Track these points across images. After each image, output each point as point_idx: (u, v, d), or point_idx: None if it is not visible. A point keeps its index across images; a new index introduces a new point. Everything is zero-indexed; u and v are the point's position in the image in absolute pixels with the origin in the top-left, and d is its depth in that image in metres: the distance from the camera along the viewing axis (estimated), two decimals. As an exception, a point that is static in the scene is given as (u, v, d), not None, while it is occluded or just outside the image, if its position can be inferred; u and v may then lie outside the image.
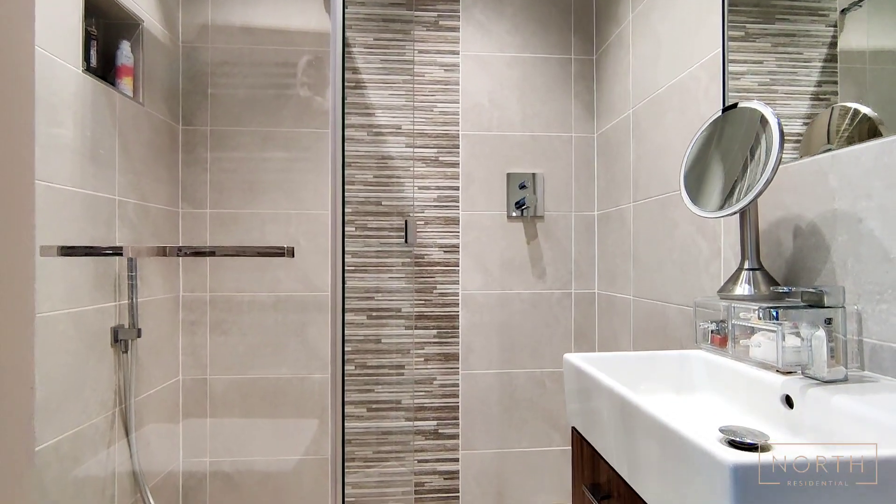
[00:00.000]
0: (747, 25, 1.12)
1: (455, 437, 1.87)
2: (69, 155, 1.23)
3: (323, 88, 1.82)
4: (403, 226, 1.83)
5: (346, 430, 1.63)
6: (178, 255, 1.64)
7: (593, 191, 1.93)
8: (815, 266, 0.87)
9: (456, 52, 1.87)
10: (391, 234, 1.84)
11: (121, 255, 1.21)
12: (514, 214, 1.89)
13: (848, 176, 0.81)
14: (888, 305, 0.73)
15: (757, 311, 0.77)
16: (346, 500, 1.58)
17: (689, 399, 0.93)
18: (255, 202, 1.79)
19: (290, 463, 1.81)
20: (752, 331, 0.88)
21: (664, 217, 1.39)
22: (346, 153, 1.65)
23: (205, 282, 1.77)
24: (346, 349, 1.73)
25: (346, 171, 1.77)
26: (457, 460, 1.87)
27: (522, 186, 1.88)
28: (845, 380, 0.73)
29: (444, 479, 1.86)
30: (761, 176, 0.84)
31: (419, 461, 1.85)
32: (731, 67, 1.14)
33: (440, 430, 1.86)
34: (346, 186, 1.65)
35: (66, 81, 1.22)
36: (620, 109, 1.69)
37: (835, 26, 0.90)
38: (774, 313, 0.75)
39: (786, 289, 0.80)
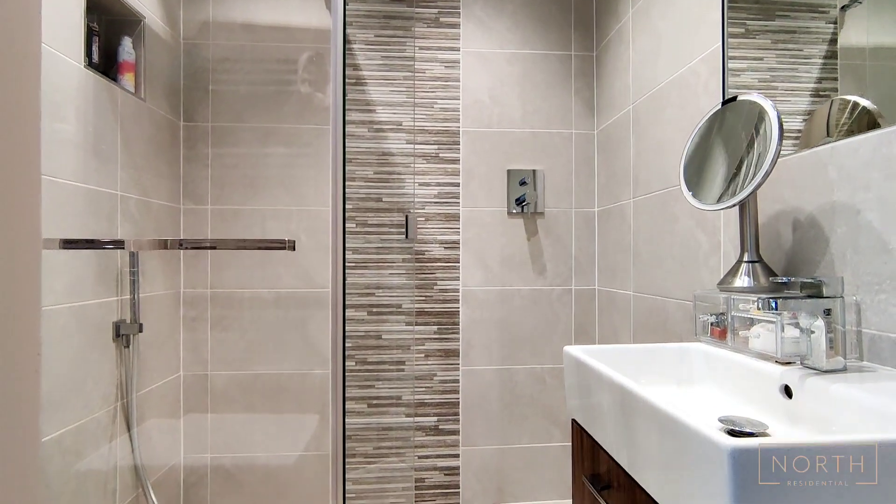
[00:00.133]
0: (747, 22, 1.12)
1: (455, 432, 1.87)
2: (72, 150, 1.23)
3: (324, 85, 1.83)
4: (404, 222, 1.84)
5: (346, 426, 1.64)
6: (179, 249, 1.64)
7: (593, 187, 1.93)
8: (814, 258, 0.88)
9: (456, 49, 1.88)
10: (392, 230, 1.85)
11: (122, 248, 1.22)
12: (514, 211, 1.89)
13: (847, 168, 0.81)
14: (887, 296, 0.74)
15: (756, 302, 0.78)
16: (346, 495, 1.58)
17: (689, 391, 0.93)
18: (256, 198, 1.80)
19: (290, 459, 1.81)
20: (752, 322, 0.88)
21: (664, 212, 1.40)
22: (346, 149, 1.65)
23: (206, 278, 1.78)
24: (346, 345, 1.73)
25: (346, 168, 1.78)
26: (457, 456, 1.87)
27: (523, 183, 1.88)
28: (844, 370, 0.74)
29: (445, 474, 1.86)
30: (760, 168, 0.85)
31: (419, 457, 1.86)
32: (730, 64, 1.14)
33: (440, 426, 1.87)
34: (346, 183, 1.65)
35: (68, 77, 1.22)
36: (620, 105, 1.69)
37: (835, 23, 0.90)
38: (773, 304, 0.75)
39: (784, 279, 0.80)
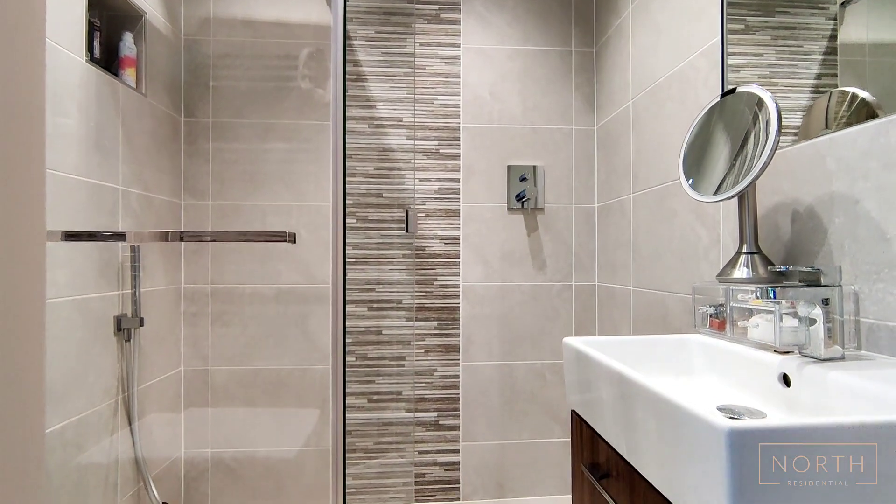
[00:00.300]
0: (747, 18, 1.12)
1: (455, 428, 1.87)
2: (73, 144, 1.24)
3: (324, 81, 1.83)
4: (404, 217, 1.84)
5: (346, 421, 1.64)
6: (180, 241, 1.65)
7: (593, 183, 1.94)
8: (813, 249, 0.88)
9: (457, 45, 1.88)
10: (392, 226, 1.85)
11: (123, 240, 1.22)
12: (514, 207, 1.89)
13: (845, 158, 0.82)
14: (885, 284, 0.74)
15: (755, 292, 0.78)
16: (346, 490, 1.59)
17: (688, 381, 0.93)
18: (257, 194, 1.80)
19: (291, 454, 1.82)
20: (751, 313, 0.88)
21: (664, 207, 1.40)
22: (347, 145, 1.66)
23: (206, 273, 1.78)
24: (346, 340, 1.74)
25: (346, 163, 1.78)
26: (457, 451, 1.87)
27: (523, 179, 1.89)
28: (842, 358, 0.74)
29: (445, 470, 1.87)
30: (759, 159, 0.85)
31: (420, 452, 1.86)
32: (730, 60, 1.14)
33: (441, 422, 1.87)
34: (346, 178, 1.66)
35: (70, 71, 1.23)
36: (620, 101, 1.70)
37: (835, 19, 0.90)
38: (772, 292, 0.75)
39: (783, 268, 0.80)
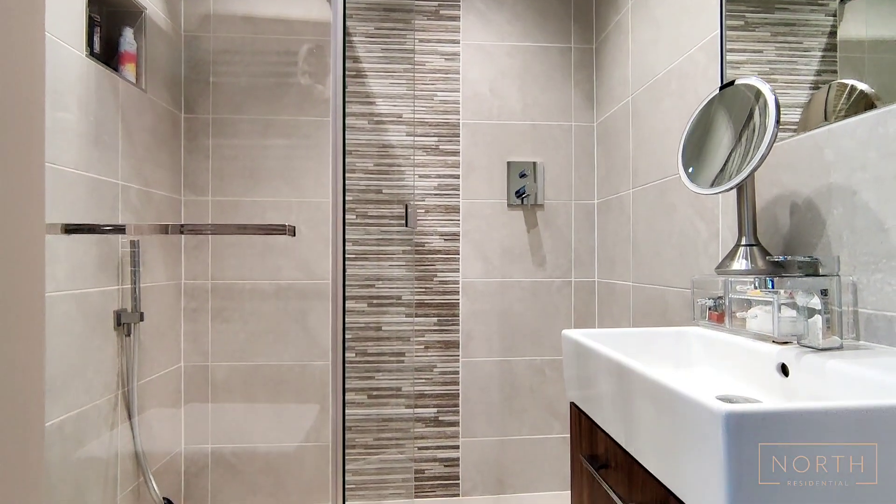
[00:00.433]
0: (747, 14, 1.12)
1: (455, 424, 1.87)
2: (73, 138, 1.24)
3: (324, 77, 1.83)
4: (404, 212, 1.84)
5: (346, 417, 1.64)
6: (180, 233, 1.65)
7: (593, 179, 1.94)
8: (811, 241, 0.88)
9: (456, 42, 1.88)
10: (392, 222, 1.85)
11: (123, 232, 1.22)
12: (514, 203, 1.89)
13: (843, 149, 0.82)
14: (883, 275, 0.74)
15: (753, 282, 0.78)
16: (346, 486, 1.59)
17: (687, 372, 0.94)
18: (256, 190, 1.80)
19: (291, 449, 1.82)
20: (749, 304, 0.88)
21: (663, 202, 1.40)
22: (346, 141, 1.66)
23: (206, 269, 1.79)
24: (346, 337, 1.74)
25: (346, 160, 1.78)
26: (457, 447, 1.87)
27: (523, 175, 1.89)
28: (840, 348, 0.74)
29: (445, 466, 1.87)
30: (757, 151, 0.85)
31: (419, 448, 1.86)
32: (730, 56, 1.14)
33: (440, 418, 1.87)
34: (346, 174, 1.66)
35: (70, 65, 1.23)
36: (620, 96, 1.70)
37: (834, 15, 0.90)
38: (770, 282, 0.76)
39: (781, 258, 0.80)
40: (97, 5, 1.39)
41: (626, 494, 0.73)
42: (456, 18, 1.88)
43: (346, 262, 1.80)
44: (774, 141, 0.83)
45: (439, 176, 1.88)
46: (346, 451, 1.74)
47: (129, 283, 1.45)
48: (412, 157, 1.86)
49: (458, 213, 1.88)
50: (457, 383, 1.88)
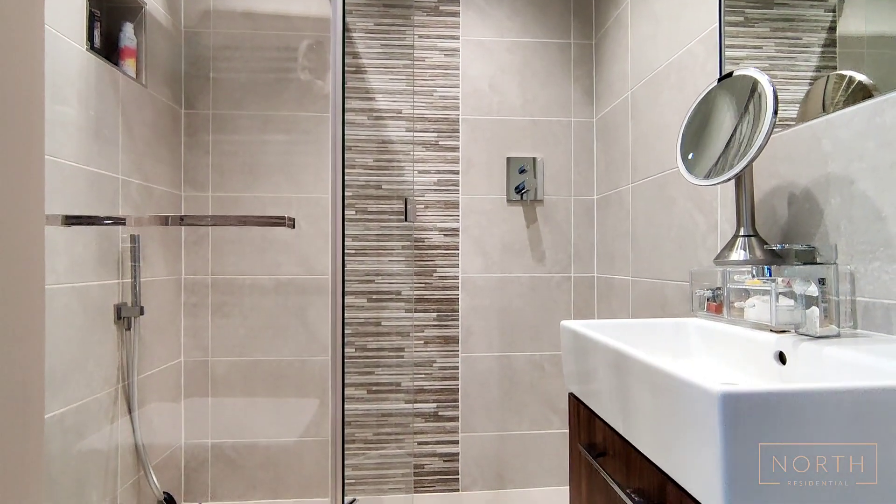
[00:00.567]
0: (746, 10, 1.12)
1: (455, 419, 1.88)
2: (73, 131, 1.24)
3: (323, 73, 1.84)
4: (403, 209, 1.84)
5: (346, 412, 1.64)
6: (180, 224, 1.65)
7: (592, 175, 1.94)
8: (809, 231, 0.88)
9: (456, 37, 1.88)
10: (391, 217, 1.86)
11: (123, 224, 1.23)
12: (513, 198, 1.90)
13: (841, 139, 0.82)
14: (880, 263, 0.74)
15: (751, 270, 0.78)
16: (345, 481, 1.59)
17: (685, 362, 0.94)
18: (256, 185, 1.81)
19: (291, 444, 1.82)
20: (747, 294, 0.89)
21: (662, 195, 1.40)
22: (346, 137, 1.67)
23: (206, 264, 1.79)
24: (346, 332, 1.74)
25: (346, 155, 1.79)
26: (456, 442, 1.88)
27: (522, 171, 1.89)
28: (838, 336, 0.74)
29: (444, 461, 1.87)
30: (755, 141, 0.85)
31: (419, 443, 1.86)
32: (729, 53, 1.15)
33: (440, 413, 1.87)
34: (346, 170, 1.67)
35: (70, 58, 1.23)
36: (619, 91, 1.70)
37: (834, 11, 0.90)
38: (767, 270, 0.76)
39: (778, 246, 0.80)
40: (97, 0, 1.39)
41: (623, 481, 0.73)
42: (455, 14, 1.88)
43: (346, 258, 1.80)
44: (772, 131, 0.83)
45: (439, 171, 1.88)
46: (346, 445, 1.75)
47: (130, 278, 1.46)
48: (412, 153, 1.87)
49: (458, 208, 1.89)
50: (456, 378, 1.88)
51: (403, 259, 1.86)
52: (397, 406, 1.86)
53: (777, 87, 0.99)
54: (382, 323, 1.86)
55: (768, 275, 0.76)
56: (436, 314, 1.88)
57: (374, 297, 1.86)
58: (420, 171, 1.87)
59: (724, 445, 0.48)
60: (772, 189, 0.98)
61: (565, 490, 1.87)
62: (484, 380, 1.89)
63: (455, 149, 1.89)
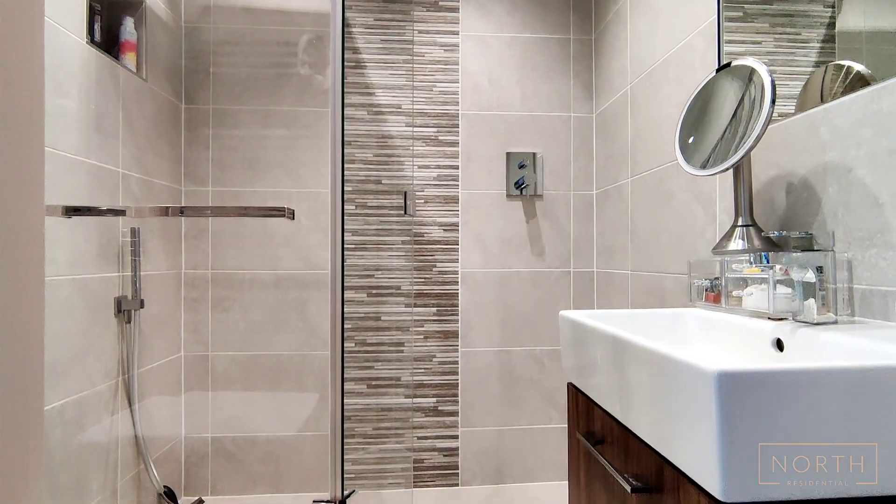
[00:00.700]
0: (745, 6, 1.13)
1: (454, 414, 1.88)
2: (73, 124, 1.25)
3: (323, 68, 1.84)
4: (403, 203, 1.85)
5: (345, 407, 1.65)
6: (180, 215, 1.66)
7: (592, 170, 1.94)
8: (807, 220, 0.88)
9: (456, 33, 1.89)
10: (391, 212, 1.86)
11: (123, 214, 1.23)
12: (513, 193, 1.90)
13: (839, 127, 0.82)
14: (878, 250, 0.75)
15: (749, 257, 0.79)
16: (345, 475, 1.59)
17: (684, 351, 0.94)
18: (256, 180, 1.81)
19: (291, 439, 1.82)
20: (745, 283, 0.89)
21: (661, 189, 1.41)
22: (346, 132, 1.67)
23: (206, 259, 1.79)
24: (346, 326, 1.75)
25: (346, 150, 1.79)
26: (456, 437, 1.88)
27: (522, 166, 1.89)
28: (835, 323, 0.74)
29: (444, 455, 1.87)
30: (753, 130, 0.86)
31: (418, 438, 1.87)
32: (728, 48, 1.15)
33: (440, 408, 1.88)
34: (346, 165, 1.67)
35: (70, 51, 1.24)
36: (618, 86, 1.70)
37: (833, 7, 0.91)
38: (765, 257, 0.76)
39: (776, 233, 0.81)
40: (97, -6, 1.39)
41: (622, 467, 0.73)
42: (455, 9, 1.89)
43: (346, 252, 1.81)
44: (770, 120, 0.83)
45: (438, 166, 1.88)
46: (346, 440, 1.75)
47: (130, 271, 1.46)
48: (411, 148, 1.87)
49: (458, 203, 1.89)
50: (456, 373, 1.88)
51: (403, 254, 1.86)
52: (397, 401, 1.86)
53: (777, 82, 0.99)
54: (382, 318, 1.86)
55: (765, 261, 0.76)
56: (435, 309, 1.88)
57: (374, 291, 1.86)
58: (420, 166, 1.87)
59: (720, 425, 0.48)
60: (770, 179, 0.98)
61: (564, 485, 1.87)
62: (484, 375, 1.89)
63: (455, 144, 1.89)
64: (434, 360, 1.88)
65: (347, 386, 1.83)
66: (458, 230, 1.89)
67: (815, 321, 0.74)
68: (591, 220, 1.94)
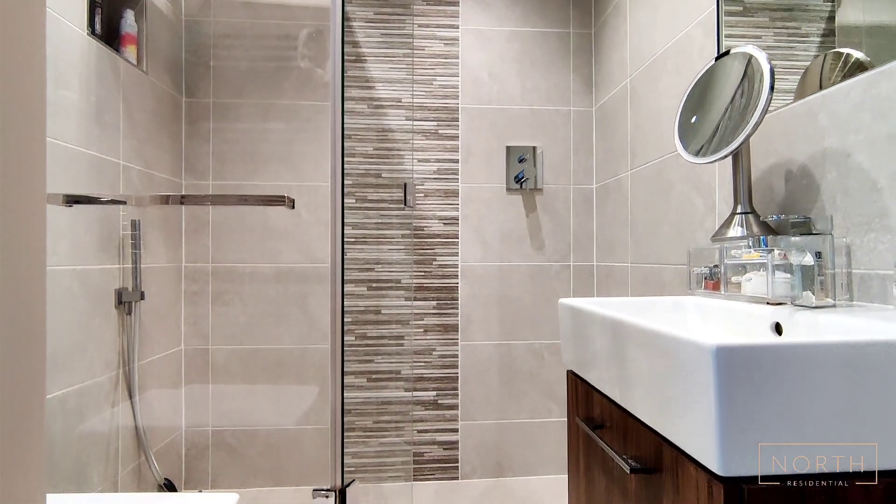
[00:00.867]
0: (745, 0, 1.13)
1: (454, 407, 1.88)
2: (74, 115, 1.25)
3: (323, 61, 1.84)
4: (402, 196, 1.85)
5: (346, 400, 1.65)
6: (180, 204, 1.66)
7: (591, 164, 1.94)
8: (806, 206, 0.89)
9: (455, 27, 1.89)
10: (391, 205, 1.86)
11: (124, 203, 1.23)
12: (513, 187, 1.90)
13: (837, 113, 0.83)
14: (876, 234, 0.75)
15: (747, 241, 0.79)
16: (345, 469, 1.59)
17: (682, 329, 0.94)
18: (257, 173, 1.81)
19: (291, 432, 1.83)
20: (744, 269, 0.89)
21: (660, 180, 1.41)
22: (346, 126, 1.67)
23: (207, 252, 1.80)
24: (346, 320, 1.75)
25: (346, 144, 1.79)
26: (456, 431, 1.88)
27: (521, 159, 1.90)
28: (834, 307, 0.75)
29: (444, 449, 1.88)
30: (751, 117, 0.86)
31: (419, 431, 1.87)
32: (728, 42, 1.15)
33: (440, 401, 1.88)
34: (346, 158, 1.67)
35: (71, 42, 1.24)
36: (618, 79, 1.71)
37: (833, 1, 0.91)
38: (763, 241, 0.76)
39: (774, 217, 0.81)
40: (98, -14, 1.39)
41: (620, 450, 0.74)
42: (455, 3, 1.89)
43: (346, 246, 1.81)
44: (768, 106, 0.83)
45: (438, 160, 1.89)
46: (346, 433, 1.75)
47: (130, 263, 1.46)
48: (411, 142, 1.87)
49: (458, 197, 1.89)
50: (456, 367, 1.89)
51: (403, 247, 1.87)
52: (397, 394, 1.86)
53: (777, 76, 0.99)
54: (382, 311, 1.87)
55: (764, 244, 0.77)
56: (435, 302, 1.88)
57: (374, 285, 1.86)
58: (420, 160, 1.88)
59: (718, 400, 0.49)
60: (769, 167, 0.99)
61: (564, 479, 1.87)
62: (483, 368, 1.89)
63: (455, 138, 1.89)
64: (434, 353, 1.88)
65: (347, 379, 1.83)
66: (457, 224, 1.89)
67: (814, 305, 0.74)
68: (591, 214, 1.94)
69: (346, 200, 1.82)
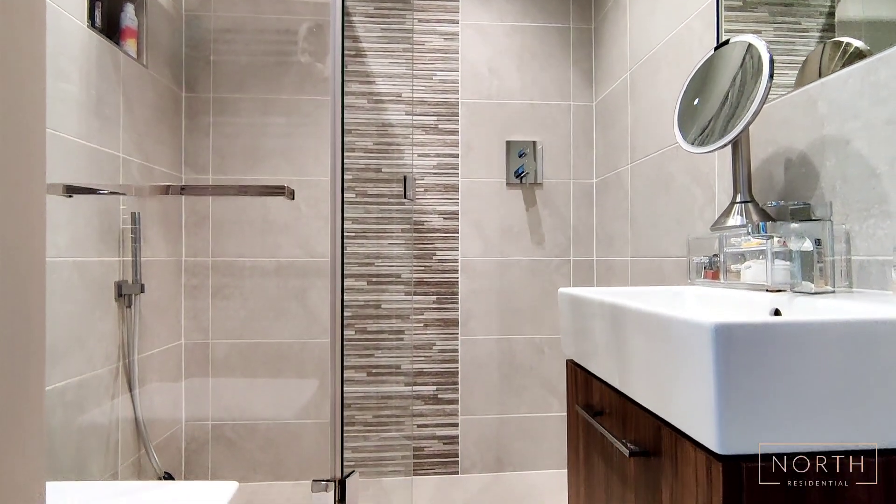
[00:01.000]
0: (745, -6, 1.13)
1: (454, 402, 1.88)
2: (74, 107, 1.25)
3: (323, 56, 1.84)
4: (402, 191, 1.85)
5: (345, 395, 1.65)
6: (180, 194, 1.66)
7: (591, 159, 1.94)
8: (806, 194, 0.89)
9: (455, 21, 1.89)
10: (391, 200, 1.86)
11: (124, 194, 1.23)
12: (513, 182, 1.90)
13: (836, 101, 0.83)
14: (875, 220, 0.75)
15: (746, 227, 0.79)
16: (345, 463, 1.59)
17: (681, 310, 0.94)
18: (257, 168, 1.81)
19: (291, 426, 1.83)
20: (744, 258, 0.89)
21: (660, 173, 1.41)
22: (346, 120, 1.67)
23: (207, 246, 1.80)
24: (346, 314, 1.75)
25: (346, 138, 1.80)
26: (456, 425, 1.88)
27: (521, 154, 1.90)
28: (833, 293, 0.75)
29: (444, 443, 1.88)
30: (750, 105, 0.86)
31: (418, 426, 1.87)
32: (728, 38, 1.15)
33: (439, 396, 1.88)
34: (345, 153, 1.67)
35: (71, 35, 1.24)
36: (618, 73, 1.71)
37: None
38: (762, 227, 0.76)
39: (773, 203, 0.81)
40: (98, -21, 1.40)
41: (620, 435, 0.74)
42: (455, -2, 1.89)
43: (346, 240, 1.81)
44: (767, 95, 0.84)
45: (438, 155, 1.89)
46: (346, 428, 1.75)
47: (130, 256, 1.47)
48: (411, 136, 1.87)
49: (457, 191, 1.89)
50: (456, 361, 1.89)
51: (403, 242, 1.87)
52: (397, 389, 1.86)
53: (777, 71, 0.99)
54: (382, 305, 1.87)
55: (763, 231, 0.77)
56: (435, 297, 1.88)
57: (374, 279, 1.86)
58: (419, 155, 1.88)
59: (717, 378, 0.49)
60: (768, 156, 0.99)
61: (564, 473, 1.87)
62: (483, 363, 1.89)
63: (454, 132, 1.89)
64: (434, 348, 1.88)
65: (347, 374, 1.83)
66: (457, 218, 1.89)
67: (813, 291, 0.74)
68: (591, 209, 1.94)
69: (346, 195, 1.82)
